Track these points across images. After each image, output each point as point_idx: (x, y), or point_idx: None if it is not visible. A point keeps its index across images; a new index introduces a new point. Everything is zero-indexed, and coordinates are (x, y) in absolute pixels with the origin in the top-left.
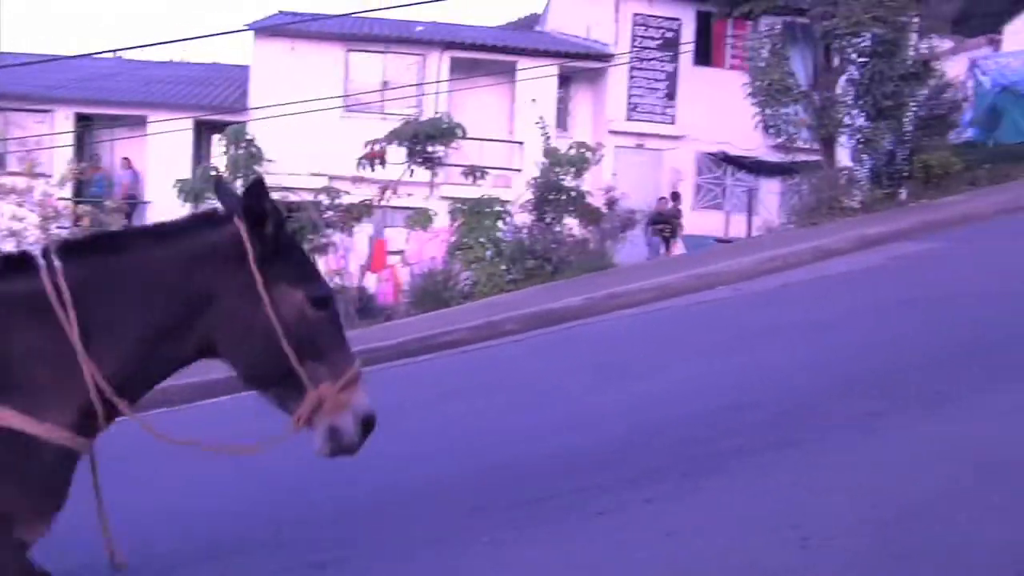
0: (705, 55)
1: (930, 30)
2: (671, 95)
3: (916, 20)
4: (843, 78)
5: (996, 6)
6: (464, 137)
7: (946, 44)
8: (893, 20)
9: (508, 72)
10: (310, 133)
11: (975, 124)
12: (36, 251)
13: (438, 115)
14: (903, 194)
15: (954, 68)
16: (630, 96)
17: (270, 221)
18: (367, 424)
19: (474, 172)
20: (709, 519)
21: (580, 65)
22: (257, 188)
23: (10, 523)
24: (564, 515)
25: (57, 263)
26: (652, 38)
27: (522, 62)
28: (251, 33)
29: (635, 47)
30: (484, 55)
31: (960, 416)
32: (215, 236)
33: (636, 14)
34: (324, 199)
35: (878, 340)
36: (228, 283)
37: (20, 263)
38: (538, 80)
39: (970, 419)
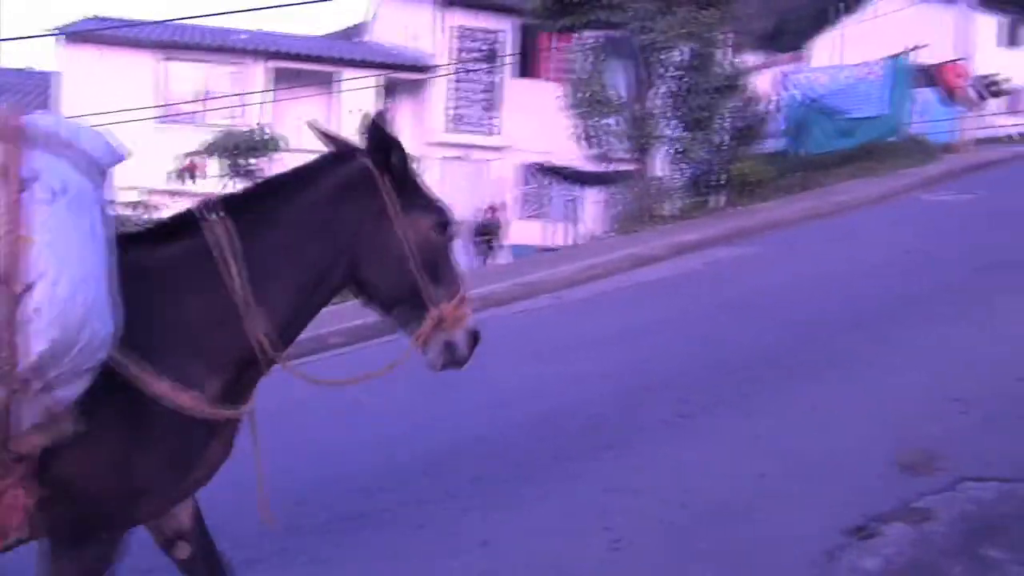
0: (527, 67)
1: (741, 46)
2: (494, 106)
3: (728, 36)
4: (659, 91)
5: (804, 24)
6: (286, 149)
7: (756, 59)
8: (706, 36)
9: (331, 82)
10: (123, 144)
11: (785, 135)
12: (197, 209)
13: (258, 126)
14: (719, 201)
15: (765, 82)
16: (453, 107)
17: (395, 152)
18: (476, 338)
19: None
20: (524, 526)
21: (403, 76)
22: (380, 121)
23: (143, 498)
24: (384, 529)
25: (219, 218)
26: (475, 50)
27: (345, 72)
28: (59, 38)
29: (458, 58)
30: (306, 65)
31: (764, 415)
32: (348, 171)
33: (459, 26)
34: (138, 213)
35: (690, 344)
36: (365, 215)
37: (184, 223)
38: (361, 91)
39: (773, 418)
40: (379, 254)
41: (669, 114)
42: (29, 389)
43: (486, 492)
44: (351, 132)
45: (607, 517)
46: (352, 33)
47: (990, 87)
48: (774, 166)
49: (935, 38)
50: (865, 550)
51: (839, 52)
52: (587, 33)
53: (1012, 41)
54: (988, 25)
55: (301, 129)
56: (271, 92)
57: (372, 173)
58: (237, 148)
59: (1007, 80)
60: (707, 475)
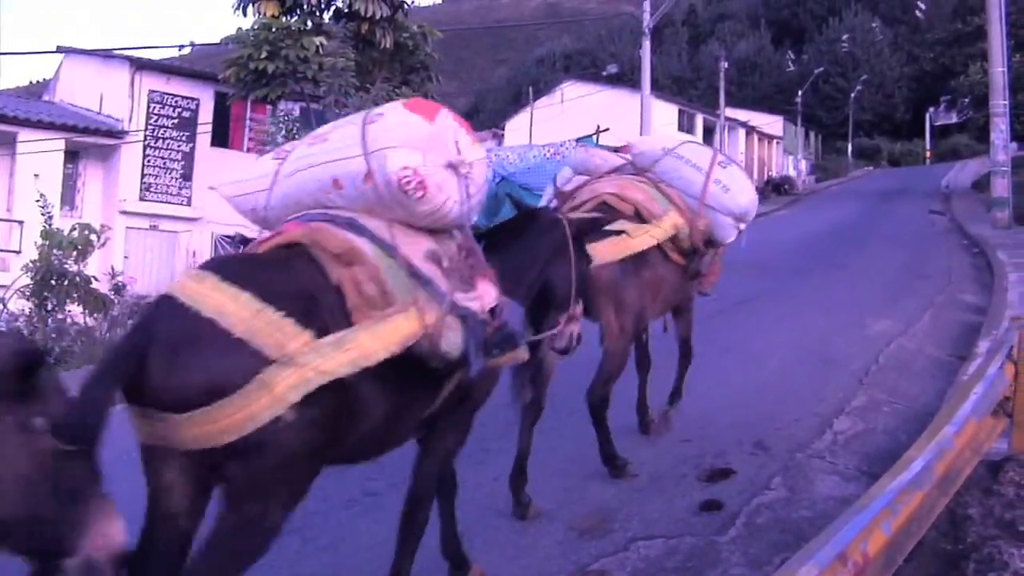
0: (223, 137)
1: None
2: (187, 176)
3: None
4: None
5: (500, 104)
6: None
7: None
8: None
9: (9, 143)
10: None
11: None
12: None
13: None
14: None
15: None
16: (144, 175)
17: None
18: (580, 335)
19: None
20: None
21: (90, 140)
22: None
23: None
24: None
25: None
26: (169, 116)
27: (24, 133)
28: None
29: (151, 125)
30: None
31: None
32: (559, 226)
33: (153, 91)
34: None
35: None
36: (561, 250)
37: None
38: (43, 154)
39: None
40: (563, 277)
41: None
42: None
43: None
44: (29, 199)
45: None
46: (39, 90)
47: None
48: None
49: (620, 122)
50: None
51: (530, 132)
52: (283, 105)
53: (689, 129)
54: (668, 112)
55: None
56: None
57: (566, 229)
58: None
59: None
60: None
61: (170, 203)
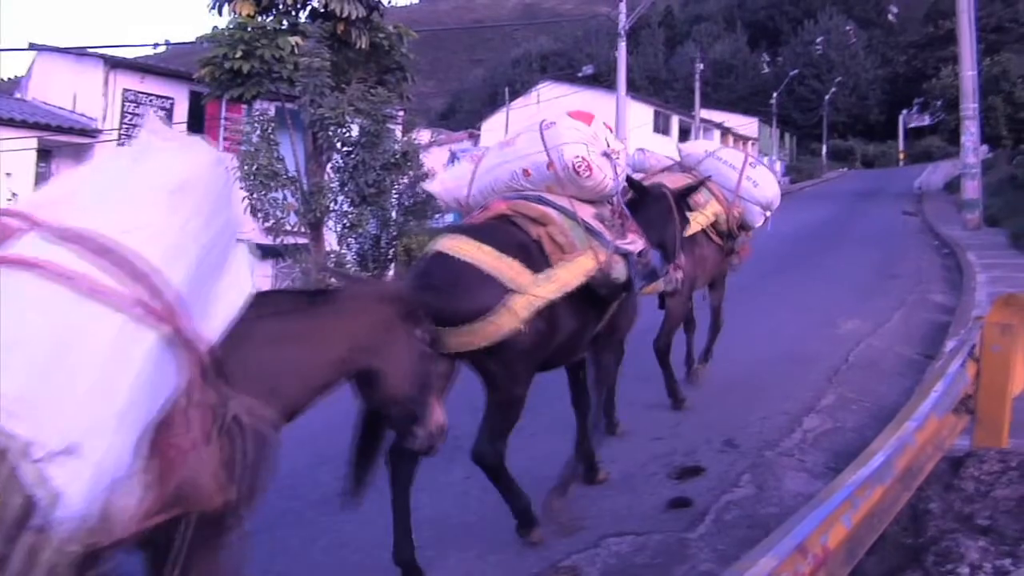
0: (198, 136)
1: (414, 123)
2: None
3: (400, 114)
4: (331, 165)
5: (476, 105)
6: None
7: (430, 136)
8: (376, 113)
9: None
10: None
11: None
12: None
13: None
14: (389, 275)
15: (438, 158)
16: None
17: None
18: (682, 279)
19: None
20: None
21: (64, 139)
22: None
23: None
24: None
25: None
26: (144, 115)
27: None
28: None
29: (125, 123)
30: None
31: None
32: (665, 197)
33: (127, 89)
34: None
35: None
36: (668, 214)
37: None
38: (15, 152)
39: (427, 493)
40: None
41: (338, 189)
42: None
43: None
44: (3, 196)
45: None
46: (12, 87)
47: None
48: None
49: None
50: None
51: (506, 132)
52: (258, 104)
53: (665, 130)
54: (644, 113)
55: None
56: None
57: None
58: None
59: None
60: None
61: None
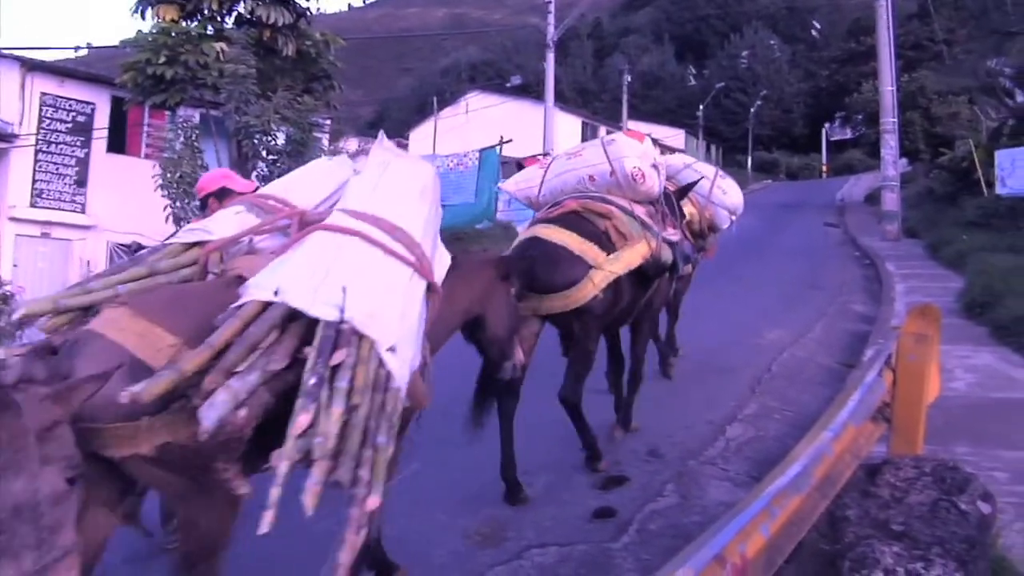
0: (120, 142)
1: (341, 132)
2: (82, 182)
3: (327, 122)
4: (255, 174)
5: (405, 114)
6: None
7: (356, 144)
8: (302, 121)
9: None
10: None
11: None
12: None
13: None
14: None
15: None
16: (36, 181)
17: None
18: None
19: None
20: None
21: None
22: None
23: None
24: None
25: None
26: (63, 120)
27: None
28: None
29: (43, 129)
30: None
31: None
32: (671, 196)
33: (45, 94)
34: None
35: None
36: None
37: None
38: None
39: None
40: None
41: None
42: None
43: None
44: None
45: None
46: None
47: None
48: None
49: (524, 133)
50: None
51: (434, 142)
52: (182, 111)
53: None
54: (572, 124)
55: None
56: None
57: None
58: None
59: None
60: None
61: (63, 210)
